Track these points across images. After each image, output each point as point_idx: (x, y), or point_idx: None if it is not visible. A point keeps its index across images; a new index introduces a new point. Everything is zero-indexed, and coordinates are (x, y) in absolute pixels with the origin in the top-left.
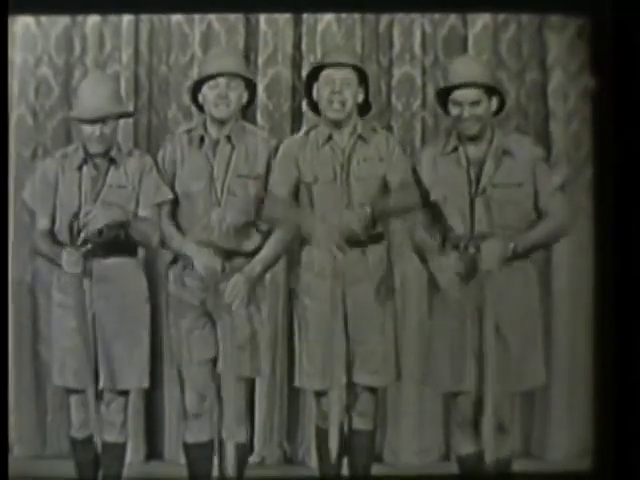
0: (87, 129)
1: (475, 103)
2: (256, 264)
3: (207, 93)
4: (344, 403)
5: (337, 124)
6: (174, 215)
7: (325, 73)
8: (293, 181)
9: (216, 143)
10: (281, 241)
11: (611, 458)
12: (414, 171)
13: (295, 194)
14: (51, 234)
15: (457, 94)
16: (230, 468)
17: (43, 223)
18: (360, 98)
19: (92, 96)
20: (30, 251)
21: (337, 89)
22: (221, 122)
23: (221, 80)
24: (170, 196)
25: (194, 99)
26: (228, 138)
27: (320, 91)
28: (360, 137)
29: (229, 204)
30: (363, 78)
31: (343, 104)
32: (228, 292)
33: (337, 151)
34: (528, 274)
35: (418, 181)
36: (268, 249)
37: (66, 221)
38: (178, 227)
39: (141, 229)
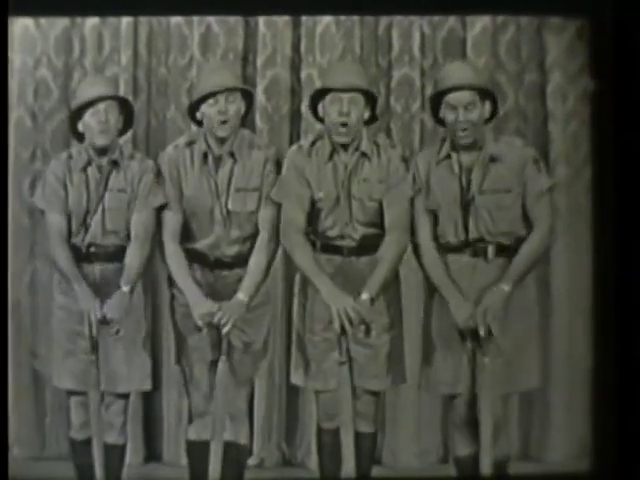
0: (91, 120)
1: (469, 107)
2: (249, 285)
3: (206, 110)
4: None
5: (342, 144)
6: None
7: (332, 93)
8: (307, 201)
9: (219, 159)
10: (267, 249)
11: (611, 460)
12: (413, 186)
13: (310, 213)
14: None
15: (451, 97)
16: (217, 468)
17: (58, 221)
18: (366, 116)
19: (88, 86)
20: (30, 252)
21: (345, 110)
22: (222, 138)
23: (220, 97)
24: (163, 201)
25: (192, 116)
26: (231, 154)
27: (326, 109)
28: (363, 154)
29: (232, 220)
30: (370, 97)
31: (350, 125)
32: (221, 314)
33: (340, 167)
34: None
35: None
36: (257, 263)
37: (76, 222)
38: (184, 239)
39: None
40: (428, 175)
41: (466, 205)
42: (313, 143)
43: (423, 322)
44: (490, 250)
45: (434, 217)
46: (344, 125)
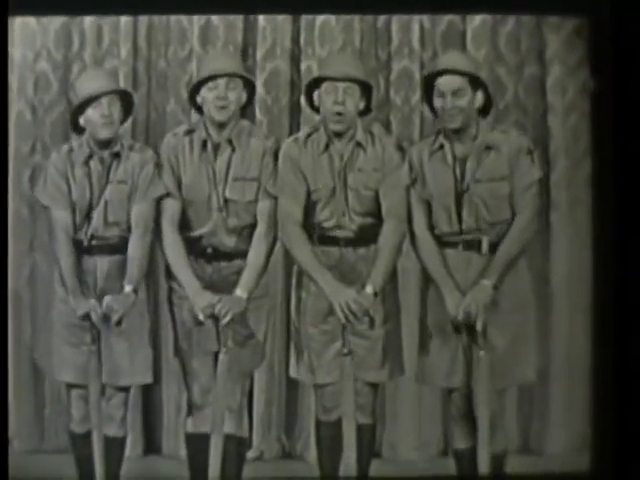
0: (94, 114)
1: (458, 93)
2: (248, 280)
3: (206, 95)
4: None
5: (337, 132)
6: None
7: (328, 82)
8: (303, 194)
9: (217, 147)
10: (266, 242)
11: (609, 455)
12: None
13: (306, 205)
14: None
15: (440, 82)
16: (217, 460)
17: (63, 218)
18: (362, 106)
19: (90, 80)
20: (30, 245)
21: (340, 100)
22: (221, 124)
23: (220, 81)
24: (163, 192)
25: (192, 101)
26: (229, 141)
27: (322, 99)
28: (358, 144)
29: (230, 208)
30: (366, 87)
31: (345, 114)
32: (220, 306)
33: (335, 158)
34: (518, 269)
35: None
36: (256, 257)
37: (80, 216)
38: (181, 228)
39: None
40: (422, 166)
41: (460, 195)
42: (309, 135)
43: (420, 314)
44: (484, 243)
45: (429, 207)
46: (339, 114)
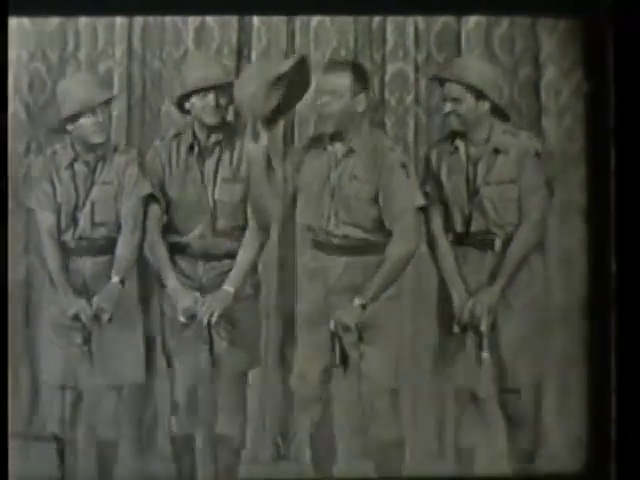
0: (86, 122)
1: (457, 100)
2: (236, 276)
3: (195, 102)
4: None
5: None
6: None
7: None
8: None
9: (205, 149)
10: (256, 240)
11: (606, 455)
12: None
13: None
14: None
15: (445, 86)
16: (207, 462)
17: (47, 219)
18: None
19: (80, 87)
20: (24, 247)
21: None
22: (212, 127)
23: (210, 91)
24: (149, 190)
25: (180, 106)
26: (217, 143)
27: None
28: (351, 150)
29: (219, 210)
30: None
31: (330, 115)
32: (207, 306)
33: (326, 164)
34: (531, 267)
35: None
36: (245, 254)
37: (66, 218)
38: (167, 230)
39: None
40: (439, 168)
41: (471, 196)
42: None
43: (437, 314)
44: (497, 244)
45: (445, 208)
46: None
